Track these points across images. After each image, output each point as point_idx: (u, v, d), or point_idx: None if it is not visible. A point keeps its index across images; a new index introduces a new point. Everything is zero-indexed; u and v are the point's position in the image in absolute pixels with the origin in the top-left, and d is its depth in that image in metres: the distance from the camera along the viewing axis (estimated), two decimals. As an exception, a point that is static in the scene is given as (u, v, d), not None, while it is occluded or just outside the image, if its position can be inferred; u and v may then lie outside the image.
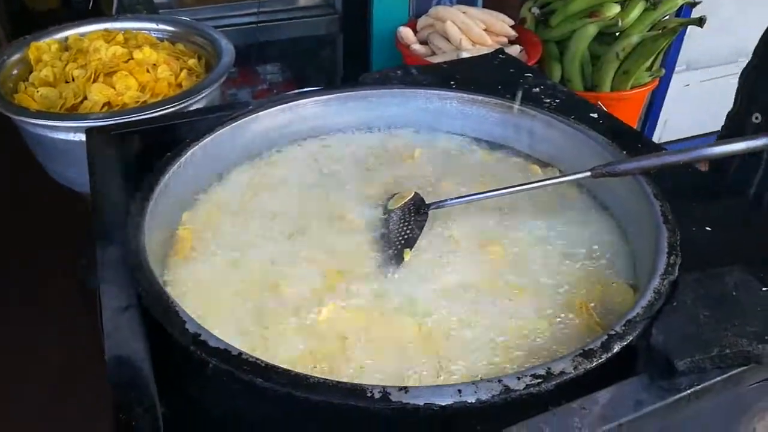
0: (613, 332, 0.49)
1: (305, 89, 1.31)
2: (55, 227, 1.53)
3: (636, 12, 1.54)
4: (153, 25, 1.19)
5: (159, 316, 0.50)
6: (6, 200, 2.13)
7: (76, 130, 0.86)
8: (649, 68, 1.64)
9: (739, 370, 0.48)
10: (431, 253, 0.68)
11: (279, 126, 0.86)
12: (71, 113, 0.90)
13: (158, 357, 0.49)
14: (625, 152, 0.75)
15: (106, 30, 1.11)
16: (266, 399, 0.46)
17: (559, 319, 0.59)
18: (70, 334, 1.25)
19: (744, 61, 1.02)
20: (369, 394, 0.43)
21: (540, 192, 0.78)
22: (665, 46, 1.57)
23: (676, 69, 1.96)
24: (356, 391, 0.44)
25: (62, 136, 0.90)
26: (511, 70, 1.02)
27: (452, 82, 0.96)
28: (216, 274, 0.64)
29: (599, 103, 1.61)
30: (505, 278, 0.65)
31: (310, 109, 0.88)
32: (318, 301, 0.60)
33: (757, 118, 0.94)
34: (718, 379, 0.47)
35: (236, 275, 0.64)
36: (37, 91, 0.97)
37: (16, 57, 1.05)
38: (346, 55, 1.68)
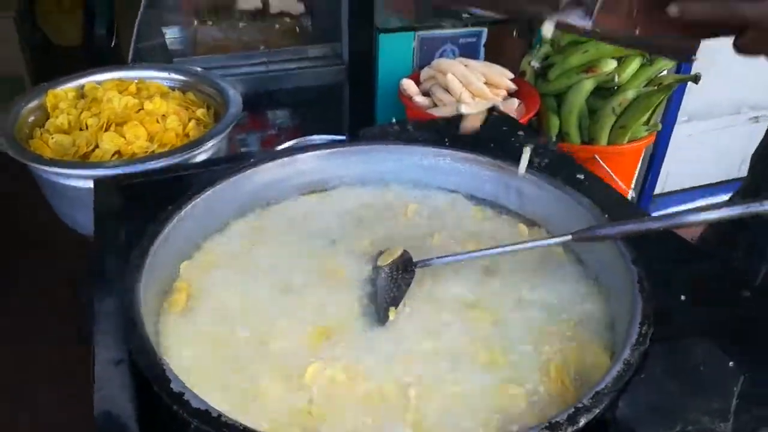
0: (580, 405, 0.51)
1: (309, 140, 1.36)
2: (59, 268, 1.57)
3: (632, 68, 1.59)
4: (165, 74, 1.24)
5: (146, 372, 0.52)
6: (14, 236, 2.18)
7: (85, 178, 0.90)
8: (647, 122, 1.68)
9: (700, 445, 0.49)
10: (416, 313, 0.70)
11: (278, 180, 0.90)
12: (82, 161, 0.95)
13: (146, 413, 0.52)
14: (607, 216, 0.78)
15: (120, 79, 1.16)
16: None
17: (535, 386, 0.61)
18: (64, 378, 1.27)
19: (747, 113, 1.01)
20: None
21: (526, 252, 0.80)
22: (661, 102, 1.61)
23: (678, 120, 1.99)
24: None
25: (73, 183, 0.94)
26: (504, 128, 1.06)
27: (446, 139, 1.00)
28: (207, 329, 0.66)
29: (596, 156, 1.64)
30: (485, 342, 0.67)
31: (309, 164, 0.92)
32: (304, 359, 0.63)
33: None
34: (682, 453, 0.49)
35: (226, 331, 0.66)
36: (52, 138, 1.02)
37: (33, 104, 1.10)
38: (352, 104, 1.74)
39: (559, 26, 0.65)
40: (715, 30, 0.60)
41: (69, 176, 0.91)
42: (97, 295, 0.63)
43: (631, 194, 1.81)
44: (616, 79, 1.59)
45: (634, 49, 0.68)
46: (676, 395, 0.51)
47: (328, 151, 0.93)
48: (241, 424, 0.48)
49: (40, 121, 1.09)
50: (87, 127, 1.02)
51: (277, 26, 1.67)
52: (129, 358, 0.55)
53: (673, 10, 0.58)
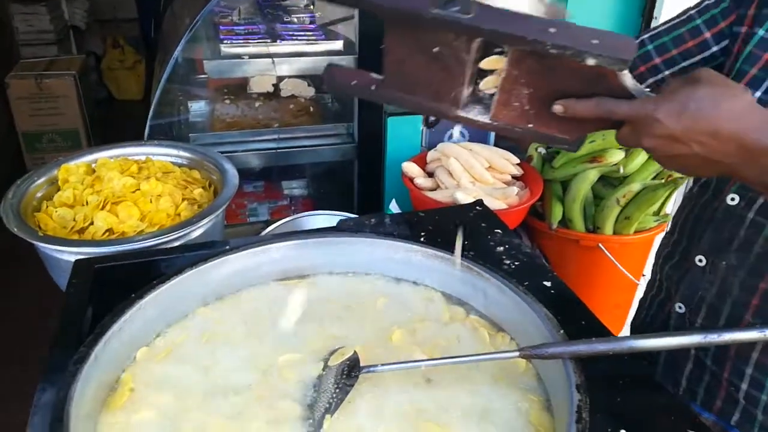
0: None
1: (312, 214, 1.40)
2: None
3: (639, 160, 1.58)
4: (174, 152, 1.32)
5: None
6: (13, 299, 2.29)
7: (71, 254, 0.95)
8: (657, 213, 1.65)
9: None
10: (353, 422, 0.70)
11: (249, 268, 0.93)
12: (70, 239, 1.01)
13: None
14: (563, 331, 0.77)
15: (129, 157, 1.24)
16: None
17: None
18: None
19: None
20: None
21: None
22: (668, 196, 1.58)
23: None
24: None
25: (64, 256, 1.00)
26: (483, 224, 1.06)
27: (423, 233, 1.02)
28: (146, 427, 0.67)
29: (600, 245, 1.62)
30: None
31: (282, 252, 0.95)
32: None
33: (680, 307, 0.94)
34: None
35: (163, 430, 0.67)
36: (56, 211, 1.09)
37: (45, 178, 1.18)
38: (361, 181, 1.78)
39: (461, 121, 0.70)
40: (597, 125, 0.67)
41: (53, 250, 0.97)
42: (40, 386, 0.66)
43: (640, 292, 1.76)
44: (622, 171, 1.58)
45: (531, 140, 0.73)
46: None
47: (301, 240, 0.96)
48: None
49: (51, 194, 1.17)
50: (87, 204, 1.08)
51: (291, 106, 1.75)
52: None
53: (557, 108, 0.65)
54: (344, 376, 0.75)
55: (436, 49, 0.65)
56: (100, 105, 3.95)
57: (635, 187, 1.57)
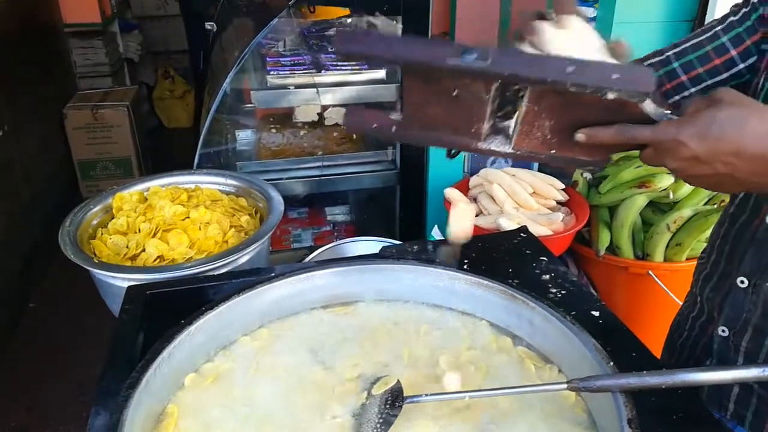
0: None
1: (353, 240, 1.41)
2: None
3: (690, 186, 1.53)
4: (222, 180, 1.36)
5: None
6: (62, 302, 2.36)
7: (123, 279, 0.99)
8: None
9: None
10: (396, 450, 0.70)
11: (293, 295, 0.94)
12: (122, 265, 1.04)
13: None
14: (612, 363, 0.75)
15: (177, 188, 1.28)
16: None
17: None
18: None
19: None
20: None
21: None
22: (721, 222, 1.52)
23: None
24: None
25: (117, 282, 1.04)
26: (527, 252, 1.05)
27: (466, 261, 1.01)
28: None
29: (650, 272, 1.57)
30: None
31: (325, 279, 0.96)
32: None
33: (723, 330, 0.91)
34: None
35: None
36: (110, 239, 1.14)
37: (100, 206, 1.23)
38: (403, 207, 1.79)
39: (483, 153, 0.71)
40: (620, 148, 0.68)
41: (107, 276, 1.01)
42: (93, 408, 0.68)
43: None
44: (671, 196, 1.54)
45: (555, 164, 0.74)
46: None
47: (344, 268, 0.97)
48: None
49: (105, 221, 1.21)
50: (140, 231, 1.12)
51: (335, 134, 1.78)
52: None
53: (580, 137, 0.67)
54: (388, 406, 0.74)
55: (455, 93, 0.66)
56: (151, 133, 4.10)
57: (686, 212, 1.53)
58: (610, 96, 0.61)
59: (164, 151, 3.92)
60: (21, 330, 2.38)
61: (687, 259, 1.58)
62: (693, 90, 0.93)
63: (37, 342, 2.30)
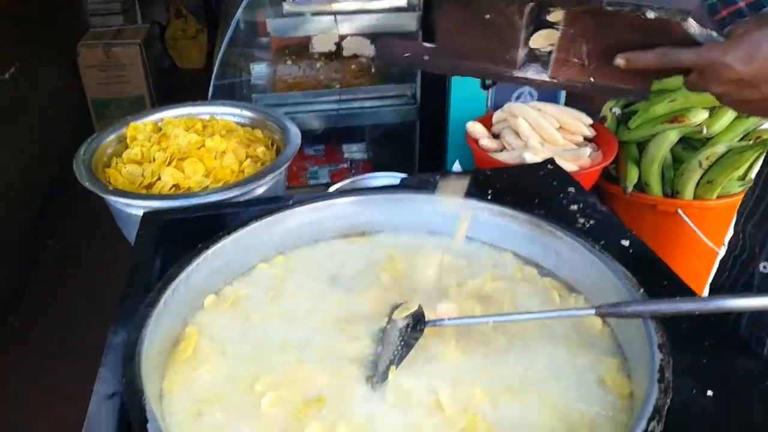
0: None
1: (371, 176, 1.38)
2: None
3: (725, 120, 1.46)
4: (237, 111, 1.32)
5: (129, 411, 0.55)
6: (82, 240, 2.38)
7: (139, 207, 0.97)
8: (742, 177, 1.53)
9: None
10: (418, 375, 0.68)
11: (312, 223, 0.91)
12: (138, 193, 1.02)
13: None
14: (642, 290, 0.72)
15: (194, 115, 1.25)
16: None
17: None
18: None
19: None
20: None
21: (556, 320, 0.76)
22: (756, 159, 1.46)
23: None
24: None
25: (133, 210, 1.02)
26: (554, 183, 1.01)
27: (490, 191, 0.98)
28: (209, 379, 0.67)
29: (680, 211, 1.52)
30: (484, 412, 0.64)
31: (345, 209, 0.93)
32: (302, 419, 0.62)
33: (765, 267, 0.87)
34: None
35: (225, 384, 0.67)
36: (125, 167, 1.11)
37: (115, 135, 1.21)
38: (423, 143, 1.74)
39: (519, 82, 0.70)
40: (662, 74, 0.66)
41: (123, 204, 0.99)
42: (112, 327, 0.67)
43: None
44: (705, 131, 1.47)
45: (594, 94, 0.72)
46: None
47: (364, 197, 0.94)
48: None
49: (120, 151, 1.19)
50: (154, 160, 1.10)
51: (353, 66, 1.72)
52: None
53: (619, 62, 0.64)
54: (409, 330, 0.73)
55: (488, 17, 0.64)
56: (164, 73, 4.04)
57: (720, 148, 1.46)
58: (650, 15, 0.58)
59: (177, 91, 3.86)
60: (41, 267, 2.41)
61: (718, 197, 1.52)
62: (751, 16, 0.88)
63: (58, 279, 2.32)
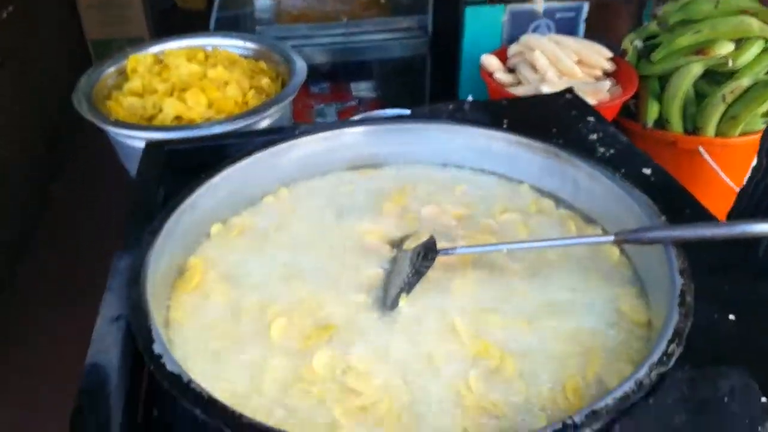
0: (569, 421, 0.46)
1: (379, 113, 1.33)
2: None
3: (752, 52, 1.39)
4: (240, 42, 1.27)
5: (135, 331, 0.54)
6: (87, 190, 2.36)
7: (141, 139, 0.94)
8: (767, 113, 1.47)
9: (705, 492, 0.42)
10: (429, 303, 0.66)
11: (321, 153, 0.88)
12: (141, 124, 0.99)
13: (131, 370, 0.53)
14: (664, 217, 0.69)
15: (197, 47, 1.20)
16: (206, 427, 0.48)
17: (543, 391, 0.56)
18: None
19: None
20: (291, 446, 0.44)
21: (573, 251, 0.73)
22: (783, 92, 1.40)
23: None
24: (280, 440, 0.44)
25: (135, 143, 0.99)
26: (573, 112, 0.97)
27: (506, 121, 0.94)
28: (217, 307, 0.66)
29: (700, 148, 1.47)
30: (497, 339, 0.62)
31: (354, 138, 0.90)
32: (310, 346, 0.61)
33: None
34: (676, 498, 0.42)
35: (233, 312, 0.65)
36: (126, 100, 1.08)
37: (115, 68, 1.17)
38: (434, 78, 1.68)
39: None
40: None
41: (130, 137, 0.96)
42: (117, 253, 0.65)
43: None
44: (731, 64, 1.40)
45: None
46: (686, 429, 0.44)
47: (375, 127, 0.90)
48: (206, 393, 0.48)
49: (120, 84, 1.15)
50: (156, 92, 1.06)
51: (361, -3, 1.65)
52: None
53: None
54: (420, 258, 0.70)
55: None
56: (165, 14, 3.93)
57: (745, 82, 1.40)
58: None
59: (178, 32, 3.76)
60: (49, 210, 2.40)
61: (740, 135, 1.47)
62: None
63: (64, 220, 2.31)
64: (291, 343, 0.62)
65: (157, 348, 0.52)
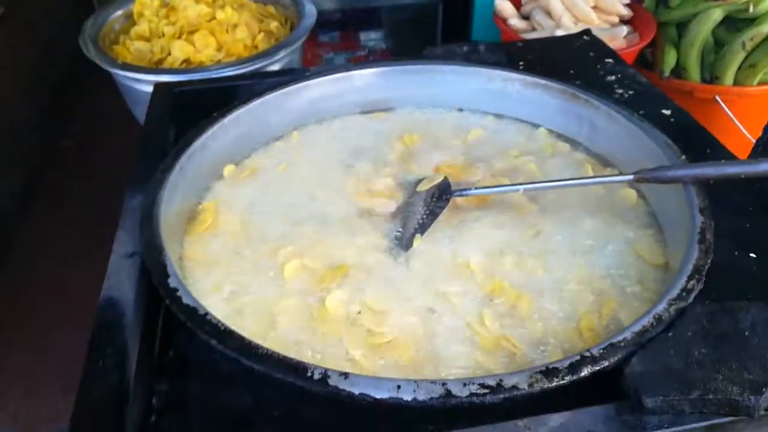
0: (587, 354, 0.45)
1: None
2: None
3: (775, -4, 1.34)
4: (247, -15, 1.23)
5: (149, 266, 0.53)
6: (96, 137, 2.33)
7: (149, 82, 0.92)
8: (788, 62, 1.43)
9: (724, 420, 0.42)
10: (443, 244, 0.66)
11: (332, 96, 0.86)
12: (149, 67, 0.97)
13: (146, 304, 0.53)
14: (684, 156, 0.67)
15: (202, -12, 1.17)
16: (222, 360, 0.48)
17: (558, 329, 0.56)
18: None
19: None
20: (309, 374, 0.44)
21: (590, 193, 0.72)
22: (805, 39, 1.35)
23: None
24: (298, 368, 0.44)
25: (144, 87, 0.98)
26: (591, 54, 0.94)
27: (521, 63, 0.91)
28: (228, 247, 0.65)
29: (717, 98, 1.44)
30: (512, 278, 0.62)
31: (366, 81, 0.88)
32: (323, 287, 0.61)
33: None
34: (696, 426, 0.42)
35: (246, 252, 0.65)
36: (133, 44, 1.06)
37: (121, 11, 1.14)
38: (446, 26, 1.64)
39: None
40: None
41: (138, 81, 0.95)
42: (128, 192, 0.65)
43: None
44: (752, 10, 1.35)
45: None
46: (705, 360, 0.44)
47: (386, 68, 0.88)
48: (223, 324, 0.48)
49: (127, 28, 1.13)
50: (163, 35, 1.04)
51: (371, -60, 1.59)
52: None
53: None
54: (434, 199, 0.70)
55: None
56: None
57: (766, 28, 1.35)
58: None
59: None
60: (56, 160, 2.38)
61: (759, 84, 1.43)
62: None
63: (73, 170, 2.30)
64: (305, 285, 0.62)
65: (172, 282, 0.52)
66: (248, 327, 0.57)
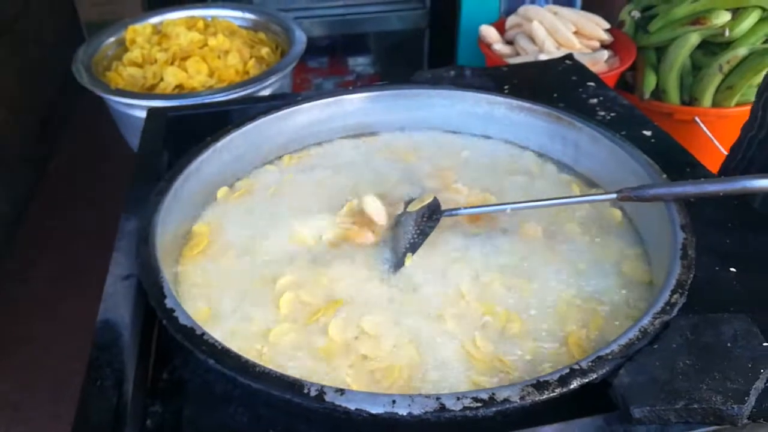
0: (576, 366, 0.47)
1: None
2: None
3: (749, 22, 1.39)
4: (239, 14, 1.27)
5: (146, 287, 0.54)
6: (84, 167, 2.33)
7: (142, 108, 0.94)
8: (763, 84, 1.48)
9: (709, 428, 0.43)
10: (435, 264, 0.67)
11: (321, 120, 0.88)
12: (143, 93, 0.99)
13: (143, 326, 0.54)
14: (665, 176, 0.70)
15: (192, 17, 1.19)
16: (219, 379, 0.48)
17: (548, 347, 0.57)
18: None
19: None
20: (306, 391, 0.45)
21: (576, 213, 0.74)
22: (779, 62, 1.40)
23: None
24: (295, 385, 0.45)
25: (136, 113, 0.99)
26: (573, 78, 0.97)
27: (506, 87, 0.94)
28: (223, 272, 0.66)
29: (696, 119, 1.48)
30: (500, 298, 0.63)
31: (355, 106, 0.90)
32: (319, 309, 0.61)
33: None
34: (682, 435, 0.43)
35: (244, 276, 0.66)
36: (126, 70, 1.07)
37: (114, 38, 1.16)
38: (432, 51, 1.68)
39: None
40: None
41: (131, 106, 0.96)
42: (123, 215, 0.66)
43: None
44: (727, 34, 1.40)
45: None
46: (689, 371, 0.45)
47: (375, 93, 0.90)
48: (219, 344, 0.49)
49: (120, 54, 1.15)
50: (156, 62, 1.06)
51: (359, -31, 1.63)
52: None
53: None
54: (425, 219, 0.71)
55: None
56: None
57: (741, 51, 1.40)
58: None
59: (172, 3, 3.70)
60: (44, 188, 2.37)
61: (736, 105, 1.48)
62: None
63: (61, 197, 2.29)
64: (298, 311, 0.62)
65: (169, 302, 0.52)
66: (243, 349, 0.57)
